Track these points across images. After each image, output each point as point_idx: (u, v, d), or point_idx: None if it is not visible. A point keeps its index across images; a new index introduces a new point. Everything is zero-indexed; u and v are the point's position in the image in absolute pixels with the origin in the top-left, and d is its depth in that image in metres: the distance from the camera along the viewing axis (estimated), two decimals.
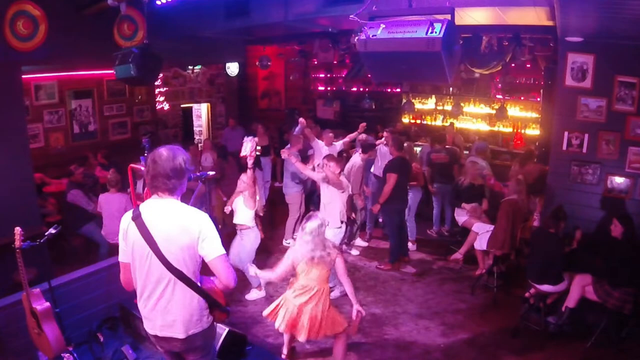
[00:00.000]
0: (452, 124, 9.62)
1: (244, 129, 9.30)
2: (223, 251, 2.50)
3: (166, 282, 2.51)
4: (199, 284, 2.60)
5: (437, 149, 7.48)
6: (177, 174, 2.48)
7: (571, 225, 4.93)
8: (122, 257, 2.61)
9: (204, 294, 2.60)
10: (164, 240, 2.46)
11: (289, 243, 6.98)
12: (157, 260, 2.46)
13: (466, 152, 8.36)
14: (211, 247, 2.47)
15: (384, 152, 7.17)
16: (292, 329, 3.87)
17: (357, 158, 6.74)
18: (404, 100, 10.47)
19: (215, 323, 2.81)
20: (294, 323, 3.84)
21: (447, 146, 7.67)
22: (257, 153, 5.16)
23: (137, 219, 2.49)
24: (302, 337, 3.84)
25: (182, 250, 2.47)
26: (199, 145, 9.80)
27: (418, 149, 8.35)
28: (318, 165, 6.24)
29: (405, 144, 7.07)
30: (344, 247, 6.61)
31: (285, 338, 4.37)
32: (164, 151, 2.49)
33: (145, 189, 2.92)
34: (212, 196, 7.56)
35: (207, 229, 2.48)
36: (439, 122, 10.35)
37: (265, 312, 4.04)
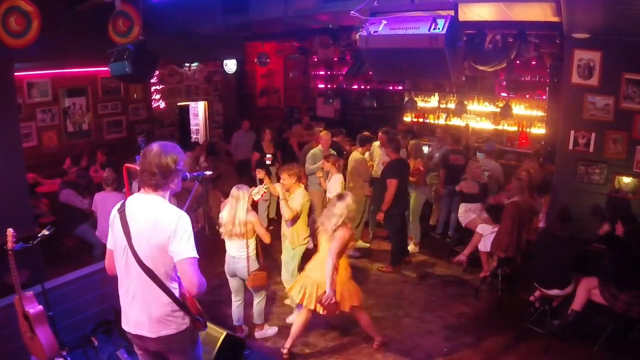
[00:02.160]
0: (467, 125, 9.63)
1: (256, 135, 8.88)
2: (193, 254, 2.45)
3: (139, 278, 2.53)
4: (174, 285, 2.57)
5: (455, 150, 7.44)
6: (162, 172, 2.48)
7: (577, 226, 4.93)
8: (108, 244, 2.71)
9: (175, 298, 2.57)
10: (137, 235, 2.49)
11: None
12: (131, 254, 2.51)
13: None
14: (181, 247, 2.43)
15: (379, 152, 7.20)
16: (310, 303, 4.21)
17: (357, 155, 6.76)
18: (406, 99, 10.46)
19: (208, 326, 2.81)
20: (312, 297, 4.20)
21: (461, 148, 7.66)
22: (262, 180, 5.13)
23: (122, 212, 2.57)
24: (322, 310, 4.17)
25: (152, 248, 2.47)
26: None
27: (425, 148, 8.30)
28: None
29: (412, 142, 7.14)
30: None
31: (293, 332, 4.42)
32: (155, 146, 2.52)
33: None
34: (209, 197, 7.56)
35: (181, 228, 2.43)
36: (442, 121, 10.36)
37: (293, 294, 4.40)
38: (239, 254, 4.50)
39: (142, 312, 2.57)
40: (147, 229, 2.47)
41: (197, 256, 2.48)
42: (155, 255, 2.48)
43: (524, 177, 5.75)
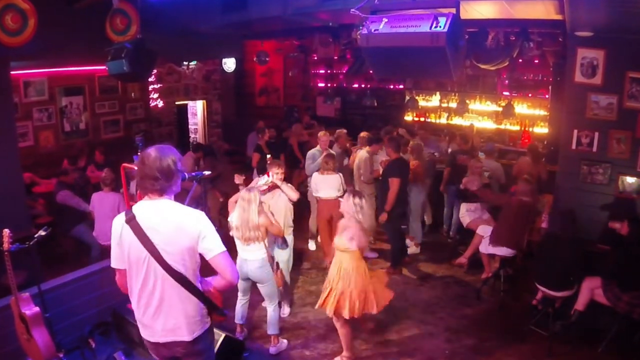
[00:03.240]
0: (472, 125, 9.64)
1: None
2: (224, 248, 2.55)
3: (166, 285, 2.53)
4: (199, 285, 2.62)
5: (463, 151, 7.48)
6: (165, 176, 2.48)
7: (580, 226, 4.93)
8: (116, 264, 2.60)
9: (203, 296, 2.63)
10: (163, 242, 2.47)
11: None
12: (155, 263, 2.48)
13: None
14: (212, 244, 2.52)
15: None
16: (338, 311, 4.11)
17: (361, 153, 6.83)
18: (407, 97, 10.47)
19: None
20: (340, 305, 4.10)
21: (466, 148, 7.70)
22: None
23: (132, 221, 2.50)
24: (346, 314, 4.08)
25: (182, 251, 2.49)
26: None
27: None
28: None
29: (413, 142, 7.16)
30: None
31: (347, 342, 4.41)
32: (152, 152, 2.50)
33: (138, 190, 2.93)
34: (207, 197, 7.55)
35: (206, 227, 2.53)
36: (443, 120, 10.37)
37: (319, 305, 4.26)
38: (253, 257, 4.45)
39: (173, 317, 2.58)
40: (173, 234, 2.48)
41: (225, 249, 2.57)
42: (185, 258, 2.51)
43: (530, 179, 5.73)
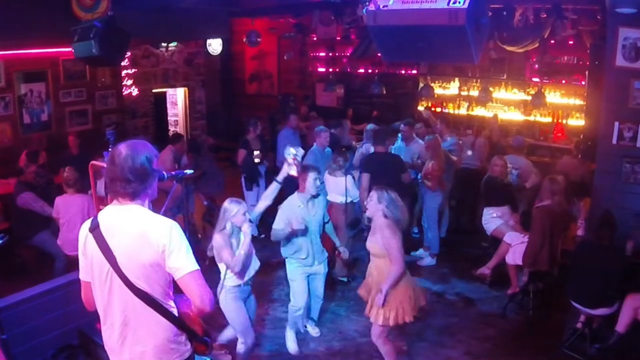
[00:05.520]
0: (495, 115, 9.66)
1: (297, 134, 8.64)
2: (196, 267, 2.48)
3: (131, 305, 2.50)
4: (171, 304, 2.59)
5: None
6: (138, 177, 2.46)
7: (621, 235, 4.93)
8: (82, 275, 2.63)
9: (176, 320, 2.59)
10: (123, 255, 2.45)
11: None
12: (118, 279, 2.46)
13: None
14: (180, 261, 2.45)
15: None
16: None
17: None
18: (421, 85, 10.48)
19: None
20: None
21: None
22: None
23: (95, 230, 2.50)
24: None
25: (145, 267, 2.46)
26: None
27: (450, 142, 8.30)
28: None
29: (429, 137, 7.16)
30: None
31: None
32: (123, 149, 2.48)
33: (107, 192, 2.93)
34: (190, 200, 7.56)
35: (174, 240, 2.45)
36: (463, 111, 10.37)
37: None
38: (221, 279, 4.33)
39: (140, 343, 2.55)
40: (134, 246, 2.44)
41: (199, 267, 2.50)
42: (149, 274, 2.47)
43: (557, 178, 5.73)
